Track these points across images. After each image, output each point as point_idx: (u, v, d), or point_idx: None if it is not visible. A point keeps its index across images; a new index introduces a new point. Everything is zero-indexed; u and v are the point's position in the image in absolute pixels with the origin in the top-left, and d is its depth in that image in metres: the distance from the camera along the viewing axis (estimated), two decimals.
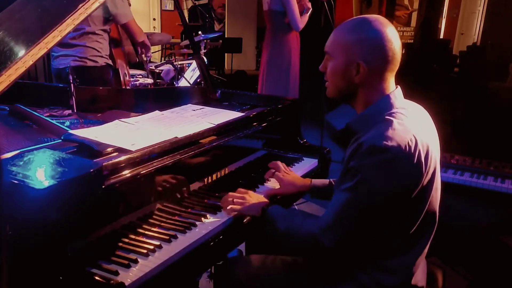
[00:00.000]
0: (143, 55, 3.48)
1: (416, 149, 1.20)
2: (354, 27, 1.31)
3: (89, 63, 2.96)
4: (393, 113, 1.27)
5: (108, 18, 2.99)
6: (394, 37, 1.28)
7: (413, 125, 1.24)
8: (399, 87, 1.35)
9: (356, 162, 1.24)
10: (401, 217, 1.27)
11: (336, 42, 1.33)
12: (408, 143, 1.19)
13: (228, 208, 1.49)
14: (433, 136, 1.34)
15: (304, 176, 1.93)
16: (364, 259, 1.34)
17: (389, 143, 1.18)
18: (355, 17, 1.35)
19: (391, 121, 1.23)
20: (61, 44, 2.88)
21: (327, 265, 1.42)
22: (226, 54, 8.93)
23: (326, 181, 1.72)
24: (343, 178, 1.30)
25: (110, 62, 3.11)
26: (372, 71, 1.28)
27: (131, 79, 3.57)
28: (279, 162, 1.79)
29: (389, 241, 1.31)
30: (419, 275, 1.36)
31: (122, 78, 3.32)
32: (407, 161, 1.19)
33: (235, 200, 1.50)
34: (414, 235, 1.31)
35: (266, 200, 1.56)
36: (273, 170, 1.77)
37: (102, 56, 3.02)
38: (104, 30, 3.02)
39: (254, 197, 1.53)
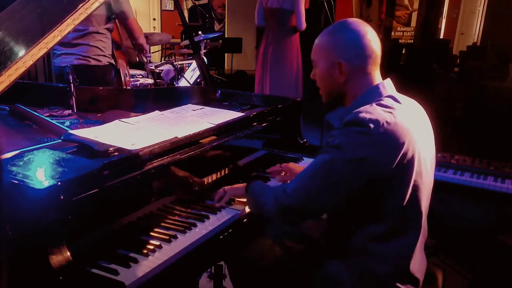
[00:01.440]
0: (143, 55, 3.49)
1: (393, 126, 1.24)
2: (330, 31, 1.40)
3: (93, 62, 2.96)
4: (381, 99, 1.32)
5: (110, 17, 2.99)
6: (370, 35, 1.35)
7: (399, 109, 1.28)
8: (389, 79, 1.40)
9: (334, 132, 1.30)
10: (381, 197, 1.29)
11: (317, 49, 1.42)
12: (386, 120, 1.24)
13: (218, 198, 1.56)
14: (422, 127, 1.37)
15: None
16: (354, 246, 1.36)
17: (367, 116, 1.23)
18: (332, 23, 1.43)
19: (376, 103, 1.29)
20: (64, 43, 2.89)
21: (321, 252, 1.45)
22: (226, 54, 8.92)
23: None
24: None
25: (112, 61, 3.11)
26: (353, 67, 1.35)
27: (132, 79, 3.58)
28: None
29: (374, 225, 1.32)
30: (415, 266, 1.37)
31: (123, 78, 3.33)
32: (382, 134, 1.23)
33: (225, 189, 1.57)
34: (401, 223, 1.32)
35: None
36: (279, 165, 1.81)
37: (105, 56, 3.02)
38: (107, 29, 3.03)
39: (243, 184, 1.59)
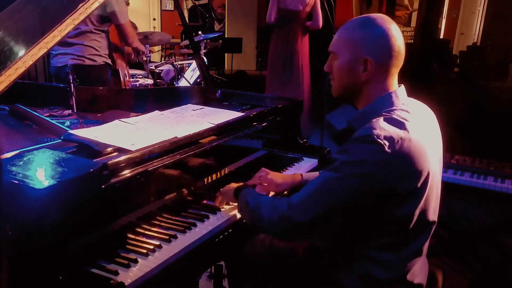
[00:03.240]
0: (141, 57, 3.48)
1: (408, 144, 1.19)
2: (359, 24, 1.32)
3: (87, 62, 2.95)
4: (392, 110, 1.27)
5: (106, 17, 2.98)
6: (398, 34, 1.30)
7: (411, 123, 1.24)
8: (402, 85, 1.36)
9: (344, 146, 1.25)
10: (392, 211, 1.26)
11: (342, 41, 1.34)
12: (401, 137, 1.19)
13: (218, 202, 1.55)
14: (434, 136, 1.34)
15: None
16: (356, 251, 1.34)
17: (381, 133, 1.18)
18: (359, 16, 1.36)
19: (387, 117, 1.24)
20: (60, 42, 2.88)
21: (324, 256, 1.44)
22: (226, 54, 8.92)
23: (316, 173, 1.71)
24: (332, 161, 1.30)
25: (109, 61, 3.10)
26: (378, 67, 1.29)
27: (131, 79, 3.57)
28: (263, 169, 1.73)
29: (381, 235, 1.30)
30: (416, 272, 1.35)
31: (122, 79, 3.32)
32: (397, 152, 1.18)
33: (220, 191, 1.55)
34: (410, 232, 1.30)
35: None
36: (258, 176, 1.69)
37: (100, 55, 3.01)
38: (102, 30, 3.01)
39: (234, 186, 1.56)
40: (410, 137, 1.20)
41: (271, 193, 1.69)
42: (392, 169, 1.19)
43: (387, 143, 1.17)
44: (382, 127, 1.19)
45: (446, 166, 2.60)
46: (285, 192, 1.75)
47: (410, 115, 1.27)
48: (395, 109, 1.27)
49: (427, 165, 1.24)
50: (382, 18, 1.31)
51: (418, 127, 1.25)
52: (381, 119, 1.23)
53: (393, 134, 1.18)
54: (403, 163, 1.20)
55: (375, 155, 1.18)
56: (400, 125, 1.21)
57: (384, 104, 1.30)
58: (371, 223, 1.28)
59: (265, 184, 1.67)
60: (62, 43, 2.88)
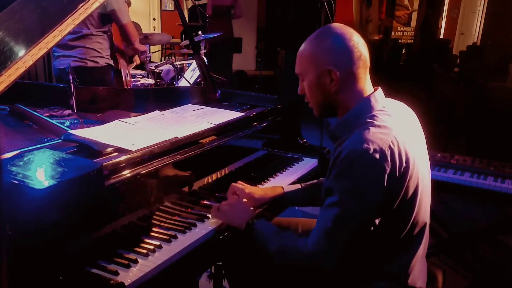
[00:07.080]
0: (143, 57, 3.48)
1: (397, 149, 1.19)
2: (314, 39, 1.32)
3: (90, 64, 2.96)
4: (374, 116, 1.26)
5: (107, 17, 2.98)
6: (356, 37, 1.29)
7: (395, 127, 1.23)
8: (379, 88, 1.34)
9: (338, 171, 1.23)
10: (391, 221, 1.26)
11: (302, 59, 1.34)
12: (390, 145, 1.18)
13: (213, 218, 1.46)
14: (417, 135, 1.34)
15: (305, 176, 1.94)
16: (356, 265, 1.32)
17: (370, 147, 1.17)
18: (314, 32, 1.35)
19: (371, 124, 1.22)
20: (61, 45, 2.89)
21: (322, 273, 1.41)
22: None
23: (298, 186, 1.67)
24: (328, 189, 1.28)
25: (111, 62, 3.10)
26: (344, 73, 1.28)
27: (132, 79, 3.57)
28: (235, 184, 1.60)
29: (380, 246, 1.30)
30: (416, 276, 1.35)
31: (124, 79, 3.32)
32: (388, 163, 1.17)
33: (220, 207, 1.46)
34: (406, 239, 1.29)
35: (251, 211, 1.49)
36: (237, 193, 1.59)
37: (102, 57, 3.02)
38: (104, 31, 3.02)
39: (240, 207, 1.48)
40: (397, 142, 1.19)
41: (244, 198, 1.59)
42: (389, 178, 1.18)
43: (378, 155, 1.16)
44: (369, 139, 1.18)
45: (446, 166, 2.59)
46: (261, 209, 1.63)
47: (392, 118, 1.26)
48: (376, 114, 1.26)
49: (416, 166, 1.24)
50: (335, 27, 1.30)
51: (401, 129, 1.24)
52: (366, 129, 1.21)
53: (381, 144, 1.18)
54: (397, 169, 1.19)
55: (370, 171, 1.18)
56: (385, 131, 1.21)
57: (364, 110, 1.28)
58: (371, 233, 1.27)
59: (244, 200, 1.57)
60: (64, 46, 2.90)
